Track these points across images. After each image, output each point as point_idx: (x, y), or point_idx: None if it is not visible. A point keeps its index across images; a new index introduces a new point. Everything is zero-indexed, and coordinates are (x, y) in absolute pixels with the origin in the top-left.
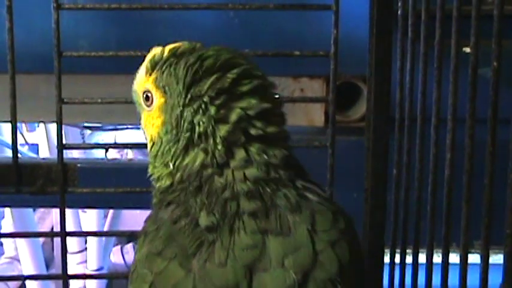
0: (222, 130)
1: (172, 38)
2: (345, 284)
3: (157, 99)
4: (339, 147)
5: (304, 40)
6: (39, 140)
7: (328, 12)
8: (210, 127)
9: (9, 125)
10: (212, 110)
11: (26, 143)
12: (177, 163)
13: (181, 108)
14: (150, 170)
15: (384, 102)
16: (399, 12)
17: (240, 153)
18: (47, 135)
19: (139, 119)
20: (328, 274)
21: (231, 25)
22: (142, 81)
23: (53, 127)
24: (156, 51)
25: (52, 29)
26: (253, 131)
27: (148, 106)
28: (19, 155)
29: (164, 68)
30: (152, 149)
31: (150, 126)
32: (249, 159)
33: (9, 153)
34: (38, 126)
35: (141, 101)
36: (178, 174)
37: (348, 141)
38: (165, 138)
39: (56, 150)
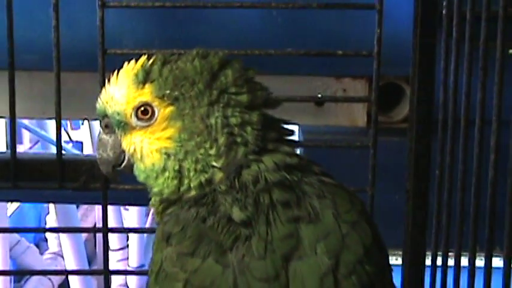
0: (255, 116)
1: (214, 36)
2: (371, 264)
3: (162, 109)
4: (381, 148)
5: (347, 40)
6: (83, 138)
7: (372, 11)
8: (246, 116)
9: (54, 122)
10: (243, 98)
11: (71, 140)
12: (220, 162)
13: (206, 107)
14: (173, 185)
15: (427, 103)
16: (444, 12)
17: (272, 135)
18: (90, 132)
19: (112, 143)
20: (356, 256)
21: (274, 24)
22: (132, 96)
23: (96, 125)
24: (136, 64)
25: (97, 27)
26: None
27: (146, 121)
28: (63, 152)
29: (165, 75)
30: (168, 164)
31: (152, 141)
32: (280, 138)
33: (54, 149)
34: (82, 124)
35: (130, 118)
36: (222, 173)
37: (390, 142)
38: (192, 144)
39: None
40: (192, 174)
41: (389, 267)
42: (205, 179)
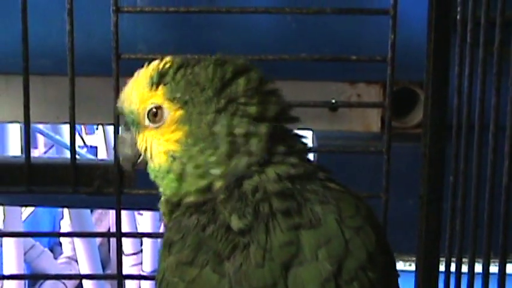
0: (263, 128)
1: (229, 41)
2: (374, 270)
3: (172, 112)
4: (395, 153)
5: (361, 45)
6: (97, 143)
7: (386, 17)
8: (252, 126)
9: (68, 127)
10: (252, 110)
11: (85, 145)
12: (220, 170)
13: (213, 114)
14: (174, 188)
15: (441, 108)
16: (458, 17)
17: (280, 148)
18: (105, 137)
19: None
20: (359, 262)
21: (288, 29)
22: (145, 97)
23: (111, 130)
24: (153, 66)
25: (111, 31)
26: (283, 127)
27: (156, 122)
28: (77, 156)
29: (178, 79)
30: (173, 166)
31: (161, 143)
32: (288, 152)
33: (68, 154)
34: (97, 129)
35: (143, 118)
36: (222, 181)
37: (404, 148)
38: (196, 149)
39: (113, 152)
40: (191, 179)
41: (395, 273)
42: (204, 186)
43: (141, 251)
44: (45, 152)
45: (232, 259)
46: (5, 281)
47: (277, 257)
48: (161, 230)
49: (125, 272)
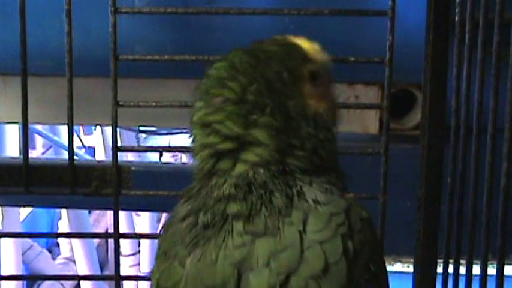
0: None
1: (227, 43)
2: (330, 281)
3: None
4: (393, 155)
5: (359, 46)
6: (95, 143)
7: (384, 18)
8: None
9: (66, 128)
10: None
11: (83, 146)
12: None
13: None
14: None
15: (439, 110)
16: (456, 18)
17: (224, 164)
18: (103, 138)
19: None
20: (311, 271)
21: (286, 31)
22: None
23: (109, 130)
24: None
25: (109, 32)
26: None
27: None
28: (75, 157)
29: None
30: None
31: None
32: (228, 170)
33: (66, 155)
34: (95, 129)
35: None
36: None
37: (402, 149)
38: None
39: (111, 153)
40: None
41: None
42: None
43: (139, 251)
44: (43, 153)
45: (192, 254)
46: (3, 282)
47: (230, 257)
48: (159, 231)
49: (122, 272)
